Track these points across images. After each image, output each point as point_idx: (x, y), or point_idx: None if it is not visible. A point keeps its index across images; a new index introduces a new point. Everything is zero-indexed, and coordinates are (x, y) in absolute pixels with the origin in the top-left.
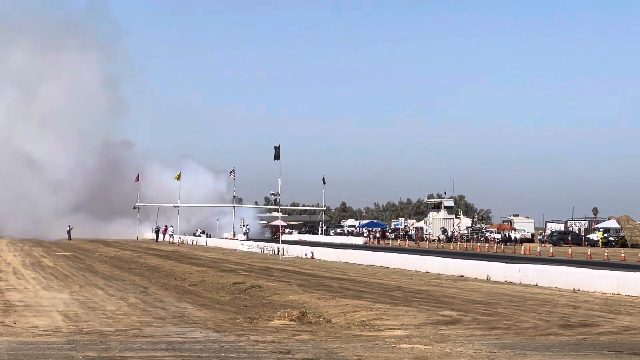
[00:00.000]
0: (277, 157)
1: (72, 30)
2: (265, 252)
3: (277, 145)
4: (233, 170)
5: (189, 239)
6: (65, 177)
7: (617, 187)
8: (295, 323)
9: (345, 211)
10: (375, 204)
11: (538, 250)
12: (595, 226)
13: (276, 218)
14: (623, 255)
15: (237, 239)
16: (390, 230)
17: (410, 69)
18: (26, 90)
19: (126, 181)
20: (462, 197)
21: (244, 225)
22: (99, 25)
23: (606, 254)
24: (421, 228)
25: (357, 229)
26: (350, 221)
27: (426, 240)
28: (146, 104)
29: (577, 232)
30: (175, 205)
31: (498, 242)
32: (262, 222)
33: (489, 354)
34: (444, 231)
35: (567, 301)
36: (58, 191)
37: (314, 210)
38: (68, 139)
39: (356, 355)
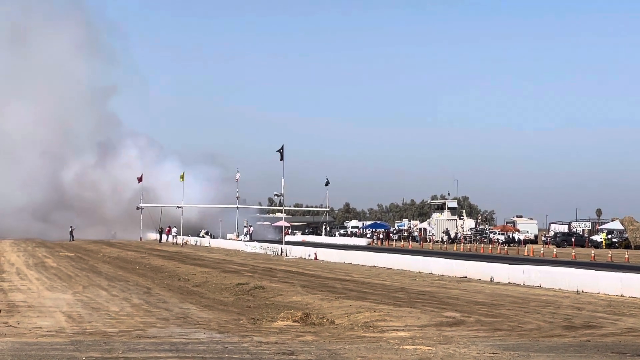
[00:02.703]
0: (282, 158)
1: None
2: (269, 253)
3: (281, 148)
4: (237, 171)
5: (192, 240)
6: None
7: (621, 189)
8: (299, 324)
9: (349, 212)
10: (378, 205)
11: (541, 251)
12: (599, 227)
13: (280, 219)
14: (627, 256)
15: (241, 240)
16: (394, 232)
17: (414, 70)
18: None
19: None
20: (465, 198)
21: (247, 226)
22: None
23: (610, 255)
24: (425, 229)
25: (361, 230)
26: (354, 222)
27: (430, 242)
28: (148, 103)
29: (580, 233)
30: (179, 205)
31: (501, 244)
32: (266, 222)
33: (492, 355)
34: (448, 232)
35: (570, 303)
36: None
37: (317, 211)
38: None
39: (360, 357)
